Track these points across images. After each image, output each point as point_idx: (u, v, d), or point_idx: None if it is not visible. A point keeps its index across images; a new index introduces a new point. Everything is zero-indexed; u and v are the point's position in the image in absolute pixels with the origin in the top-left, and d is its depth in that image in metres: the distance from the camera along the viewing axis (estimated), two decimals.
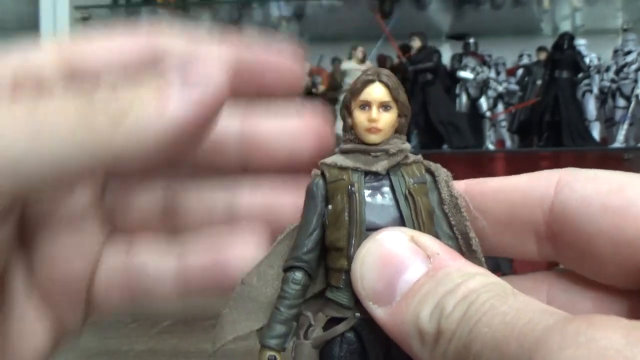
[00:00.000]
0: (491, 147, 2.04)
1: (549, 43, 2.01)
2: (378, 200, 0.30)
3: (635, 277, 0.27)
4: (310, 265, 0.31)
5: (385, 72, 0.32)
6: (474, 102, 2.04)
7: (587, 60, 1.98)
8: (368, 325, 0.29)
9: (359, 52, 1.99)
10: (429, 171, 0.32)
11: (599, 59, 2.03)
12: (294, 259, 0.30)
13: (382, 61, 2.12)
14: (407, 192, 0.30)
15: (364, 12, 2.09)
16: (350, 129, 0.32)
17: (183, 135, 0.25)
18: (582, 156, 2.18)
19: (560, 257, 0.30)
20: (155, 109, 0.25)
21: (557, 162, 2.23)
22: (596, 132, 1.97)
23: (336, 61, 2.07)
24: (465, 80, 2.02)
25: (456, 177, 0.31)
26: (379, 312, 0.27)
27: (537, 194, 0.30)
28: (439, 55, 2.01)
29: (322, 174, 0.31)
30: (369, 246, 0.28)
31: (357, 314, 0.29)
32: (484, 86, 2.03)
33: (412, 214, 0.30)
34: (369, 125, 0.31)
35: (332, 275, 0.30)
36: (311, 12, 2.13)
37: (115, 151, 0.25)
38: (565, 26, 2.17)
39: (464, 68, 2.02)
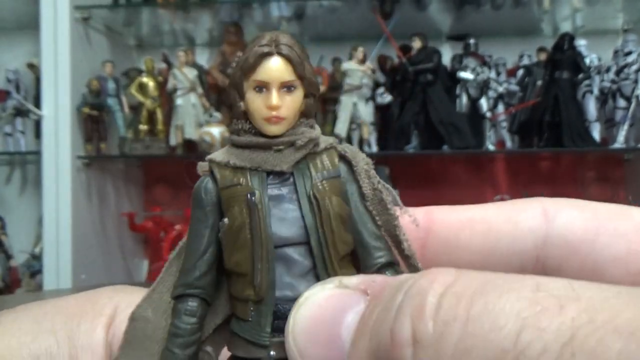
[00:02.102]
0: (491, 147, 2.03)
1: (549, 44, 2.01)
2: (284, 207, 0.24)
3: None
4: (206, 291, 0.24)
5: (285, 39, 0.24)
6: (474, 103, 2.03)
7: (587, 60, 1.98)
8: None
9: (359, 53, 1.99)
10: (344, 159, 0.26)
11: (599, 59, 2.03)
12: (185, 286, 0.24)
13: (382, 61, 2.12)
14: (311, 194, 0.24)
15: (364, 13, 2.08)
16: (243, 115, 0.25)
17: None
18: (583, 157, 2.18)
19: None
20: None
21: (557, 163, 2.23)
22: (596, 132, 1.97)
23: (336, 61, 2.07)
24: (465, 80, 2.02)
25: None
26: None
27: (525, 225, 0.26)
28: (440, 56, 2.01)
29: (212, 175, 0.24)
30: (296, 316, 0.23)
31: (272, 353, 0.24)
32: (484, 87, 2.03)
33: (317, 223, 0.24)
34: (269, 114, 0.24)
35: (236, 305, 0.24)
36: (311, 12, 2.13)
37: None
38: (566, 27, 2.17)
39: (465, 68, 2.02)
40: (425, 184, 2.15)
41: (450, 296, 0.19)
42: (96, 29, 2.16)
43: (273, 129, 0.24)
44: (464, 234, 0.27)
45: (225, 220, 0.23)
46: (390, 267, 0.25)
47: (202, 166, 0.25)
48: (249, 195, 0.23)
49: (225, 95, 0.26)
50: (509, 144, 2.07)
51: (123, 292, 0.32)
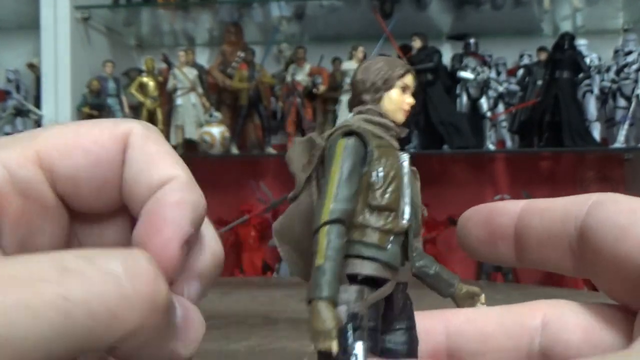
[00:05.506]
0: (492, 147, 2.04)
1: (549, 43, 2.01)
2: None
3: (629, 294, 0.28)
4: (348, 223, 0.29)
5: None
6: (474, 103, 2.04)
7: (587, 60, 1.98)
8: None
9: (359, 52, 1.99)
10: None
11: (599, 59, 2.03)
12: (342, 212, 0.27)
13: None
14: (410, 170, 0.32)
15: (365, 12, 2.09)
16: (376, 102, 0.33)
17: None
18: (583, 157, 2.18)
19: (588, 274, 0.32)
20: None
21: (557, 163, 2.23)
22: (597, 132, 1.97)
23: (336, 61, 2.07)
24: (465, 80, 2.02)
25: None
26: None
27: (573, 212, 0.31)
28: (440, 56, 2.01)
29: (359, 137, 0.30)
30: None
31: (398, 279, 0.29)
32: (484, 86, 2.03)
33: (413, 191, 0.31)
34: (407, 107, 0.33)
35: (375, 234, 0.29)
36: (311, 12, 2.13)
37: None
38: (566, 26, 2.17)
39: (465, 68, 2.02)
40: (425, 183, 2.12)
41: None
42: (96, 29, 2.16)
43: (402, 118, 0.33)
44: (536, 219, 0.33)
45: (380, 168, 0.29)
46: None
47: (318, 137, 0.31)
48: (399, 152, 0.31)
49: (358, 86, 0.33)
50: (509, 143, 2.07)
51: None
